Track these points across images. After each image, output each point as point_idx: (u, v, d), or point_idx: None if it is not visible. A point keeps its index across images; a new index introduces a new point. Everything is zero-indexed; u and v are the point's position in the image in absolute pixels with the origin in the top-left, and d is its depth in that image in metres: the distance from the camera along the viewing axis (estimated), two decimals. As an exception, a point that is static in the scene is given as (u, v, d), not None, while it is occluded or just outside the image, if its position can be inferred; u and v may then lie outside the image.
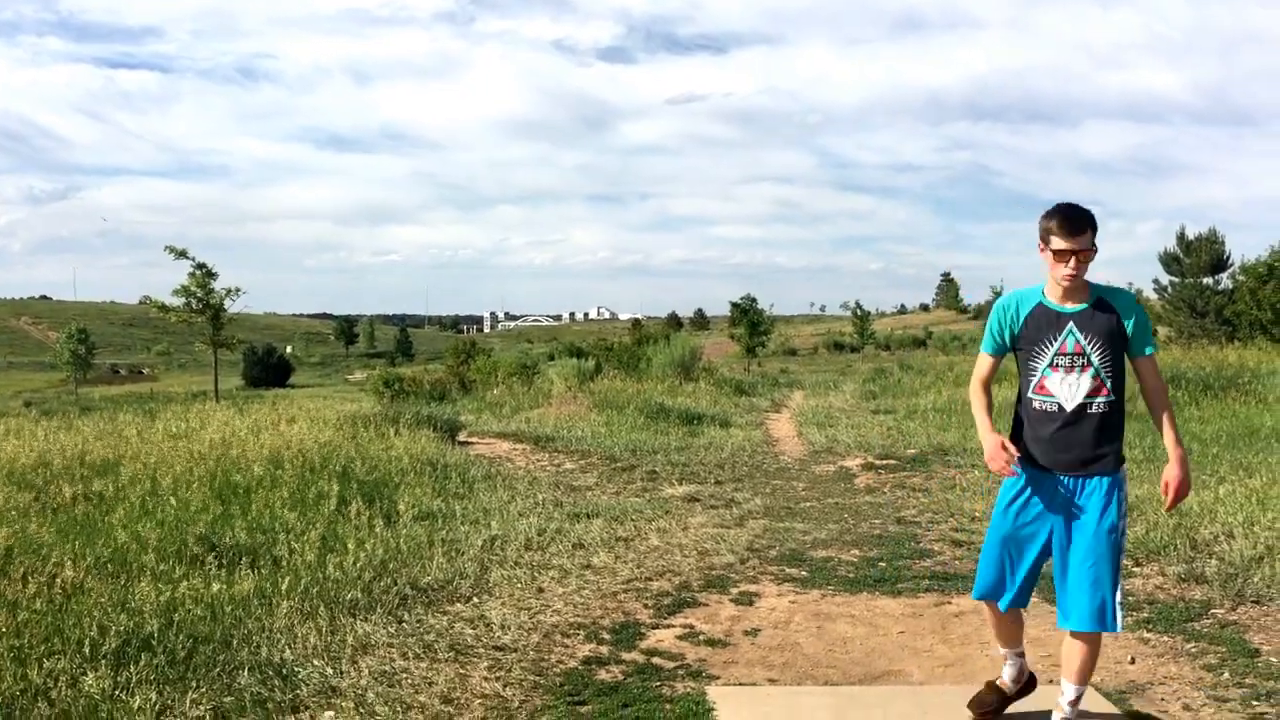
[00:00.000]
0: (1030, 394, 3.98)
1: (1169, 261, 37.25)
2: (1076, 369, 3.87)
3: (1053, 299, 3.94)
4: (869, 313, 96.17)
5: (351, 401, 25.15)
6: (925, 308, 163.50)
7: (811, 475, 11.56)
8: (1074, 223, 3.78)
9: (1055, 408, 3.91)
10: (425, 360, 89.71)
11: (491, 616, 5.80)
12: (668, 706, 4.57)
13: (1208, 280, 36.15)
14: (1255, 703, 4.57)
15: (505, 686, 4.79)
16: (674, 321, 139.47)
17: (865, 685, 4.93)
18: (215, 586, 5.85)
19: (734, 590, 6.55)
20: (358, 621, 5.54)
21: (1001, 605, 4.10)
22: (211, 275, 32.70)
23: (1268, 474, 9.31)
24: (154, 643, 4.88)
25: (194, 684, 4.53)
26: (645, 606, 6.17)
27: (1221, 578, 6.31)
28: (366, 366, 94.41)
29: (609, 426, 15.75)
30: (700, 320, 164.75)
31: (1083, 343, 3.86)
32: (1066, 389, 3.89)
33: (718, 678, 5.01)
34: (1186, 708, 4.56)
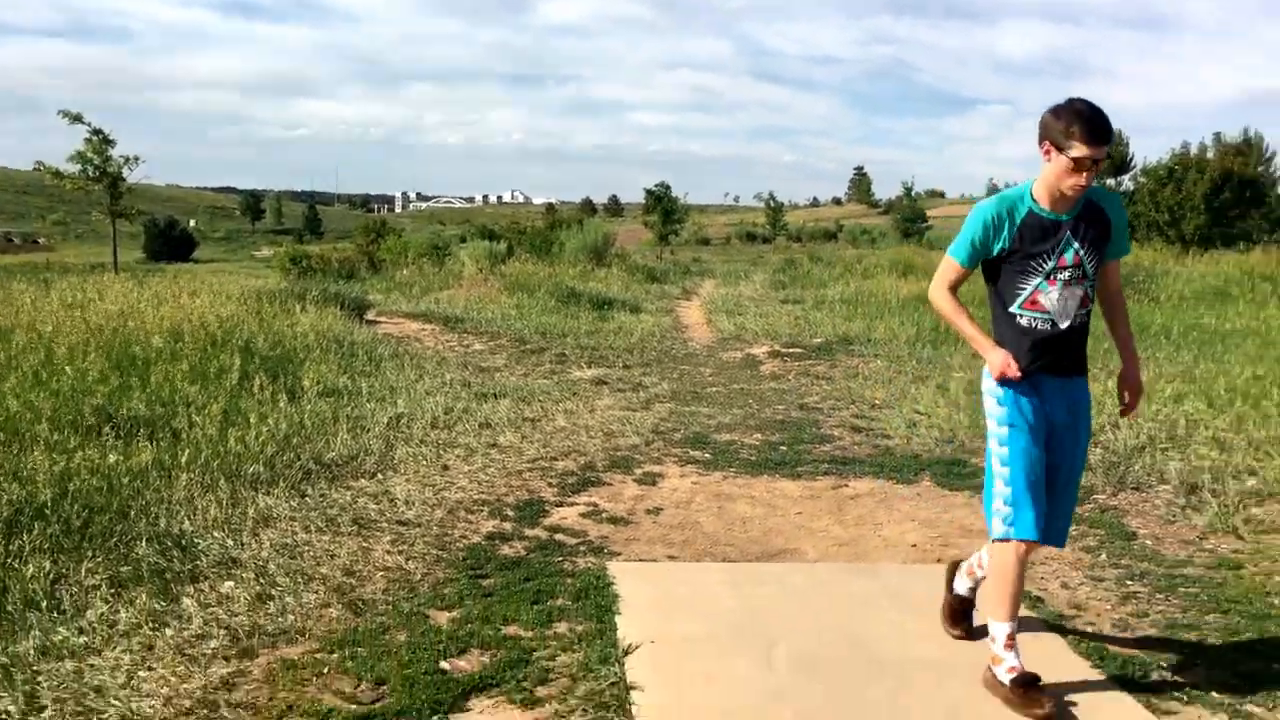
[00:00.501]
0: (1016, 309, 3.55)
1: (1075, 162, 37.85)
2: (1074, 283, 3.51)
3: (1044, 205, 3.50)
4: (782, 204, 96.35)
5: (257, 278, 24.61)
6: (838, 201, 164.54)
7: (719, 361, 11.69)
8: (1102, 128, 3.34)
9: (1047, 324, 3.53)
10: (334, 239, 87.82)
11: (396, 492, 5.82)
12: (569, 580, 4.65)
13: (1111, 181, 36.91)
14: (1129, 582, 4.81)
15: (408, 560, 4.82)
16: (588, 207, 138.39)
17: (761, 562, 5.07)
18: (112, 458, 5.75)
19: (638, 471, 6.65)
20: (259, 495, 5.52)
21: (1045, 539, 3.57)
22: (109, 142, 31.36)
23: (1155, 368, 9.67)
24: (48, 512, 4.80)
25: (90, 553, 4.48)
26: (550, 485, 6.24)
27: (1105, 465, 6.58)
28: (273, 244, 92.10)
29: (519, 309, 15.69)
30: (615, 207, 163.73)
31: (1081, 254, 3.49)
32: (1062, 304, 3.51)
33: (619, 554, 5.11)
34: (1065, 586, 4.78)
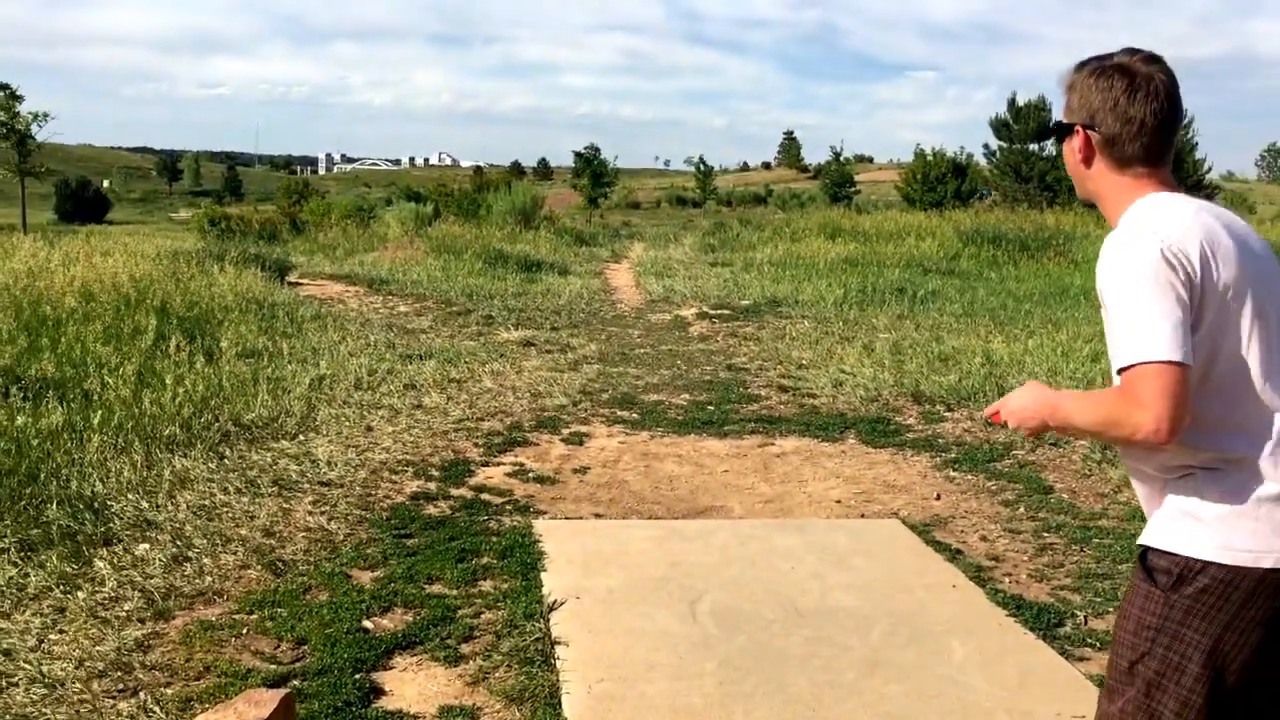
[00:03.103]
0: None
1: (999, 127, 38.37)
2: None
3: None
4: (712, 168, 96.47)
5: (174, 239, 24.03)
6: (768, 165, 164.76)
7: (647, 323, 11.68)
8: None
9: None
10: (255, 201, 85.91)
11: (318, 453, 5.72)
12: (494, 539, 4.62)
13: (1034, 146, 37.43)
14: (1046, 534, 4.91)
15: (330, 520, 4.75)
16: (517, 170, 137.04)
17: (688, 519, 5.09)
18: (19, 420, 5.57)
19: (565, 430, 6.62)
20: (176, 457, 5.39)
21: None
22: (16, 98, 30.39)
23: (1073, 328, 9.88)
24: (-48, 475, 4.64)
25: (-3, 517, 4.35)
26: (475, 445, 6.19)
27: (1023, 423, 6.69)
28: (191, 205, 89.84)
29: (445, 271, 15.52)
30: (544, 170, 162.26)
31: None
32: None
33: (545, 512, 5.09)
34: (984, 539, 4.87)
